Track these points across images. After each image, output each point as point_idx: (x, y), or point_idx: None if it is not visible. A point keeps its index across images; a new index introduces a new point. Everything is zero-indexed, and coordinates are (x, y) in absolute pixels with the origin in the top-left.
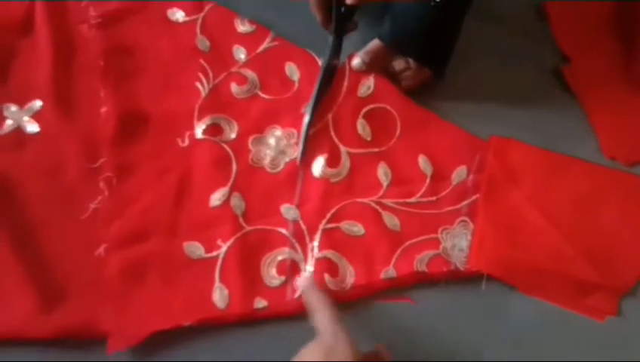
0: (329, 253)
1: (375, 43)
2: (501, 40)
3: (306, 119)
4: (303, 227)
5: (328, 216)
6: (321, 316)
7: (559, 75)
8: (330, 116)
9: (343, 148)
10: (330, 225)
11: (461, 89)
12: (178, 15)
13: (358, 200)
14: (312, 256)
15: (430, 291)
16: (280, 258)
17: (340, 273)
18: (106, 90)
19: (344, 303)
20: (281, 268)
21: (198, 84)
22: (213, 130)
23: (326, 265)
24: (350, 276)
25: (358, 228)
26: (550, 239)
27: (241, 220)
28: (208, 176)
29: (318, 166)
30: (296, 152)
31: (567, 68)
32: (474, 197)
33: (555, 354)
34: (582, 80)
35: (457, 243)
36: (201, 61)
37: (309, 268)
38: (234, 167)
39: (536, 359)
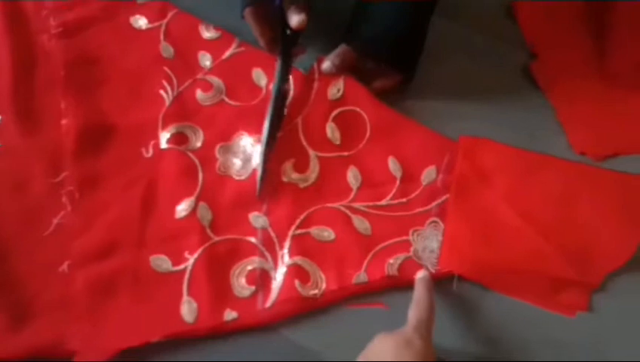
0: (299, 260)
1: (343, 47)
2: (471, 40)
3: (260, 159)
4: (272, 234)
5: (297, 222)
6: (417, 311)
7: (528, 73)
8: (299, 119)
9: (312, 152)
10: (299, 231)
11: (432, 89)
12: (141, 22)
13: (328, 205)
14: (283, 264)
15: (402, 293)
16: (249, 267)
17: (311, 279)
18: (67, 101)
19: (316, 309)
20: (251, 277)
21: (162, 92)
22: (179, 138)
23: (296, 272)
24: (321, 282)
25: (328, 233)
26: (524, 237)
27: (208, 231)
28: (174, 187)
29: (287, 171)
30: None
31: (534, 64)
32: (444, 198)
33: (527, 351)
34: (549, 76)
35: (428, 244)
36: (165, 68)
37: (279, 276)
38: (200, 176)
39: (509, 357)
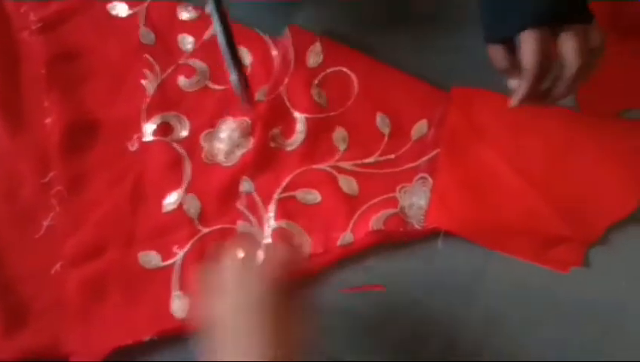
0: (284, 223)
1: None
2: None
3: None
4: (257, 199)
5: (283, 185)
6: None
7: None
8: (282, 88)
9: (298, 116)
10: (284, 195)
11: (424, 39)
12: (119, 9)
13: (314, 166)
14: (269, 227)
15: (399, 268)
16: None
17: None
18: (50, 99)
19: (305, 278)
20: None
21: (144, 81)
22: (164, 129)
23: (282, 236)
24: (307, 245)
25: (313, 196)
26: (517, 192)
27: (196, 223)
28: (161, 180)
29: (275, 138)
30: (250, 143)
31: None
32: (434, 153)
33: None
34: None
35: (416, 201)
36: (147, 56)
37: (265, 240)
38: (187, 167)
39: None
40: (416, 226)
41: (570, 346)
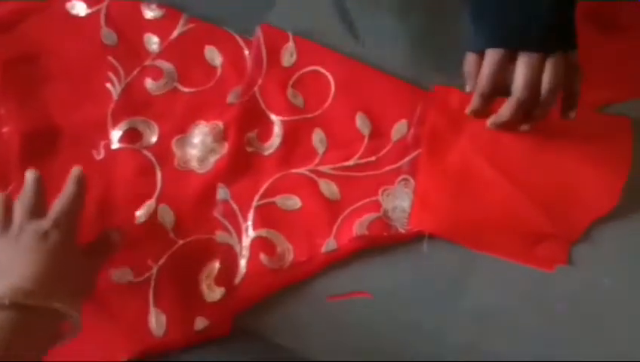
0: (264, 232)
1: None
2: None
3: None
4: (234, 206)
5: (261, 191)
6: (57, 202)
7: None
8: (256, 88)
9: (275, 118)
10: (263, 201)
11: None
12: (79, 8)
13: (293, 170)
14: (247, 237)
15: (385, 272)
16: (218, 267)
17: (277, 251)
18: (7, 106)
19: (288, 286)
20: (220, 279)
21: (108, 85)
22: (132, 135)
23: (262, 245)
24: (289, 253)
25: (293, 202)
26: (500, 191)
27: (171, 234)
28: (131, 190)
29: (251, 141)
30: (224, 148)
31: None
32: (415, 153)
33: (514, 314)
34: None
35: (399, 204)
36: (110, 58)
37: (244, 251)
38: (158, 175)
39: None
40: (400, 230)
41: (558, 345)
